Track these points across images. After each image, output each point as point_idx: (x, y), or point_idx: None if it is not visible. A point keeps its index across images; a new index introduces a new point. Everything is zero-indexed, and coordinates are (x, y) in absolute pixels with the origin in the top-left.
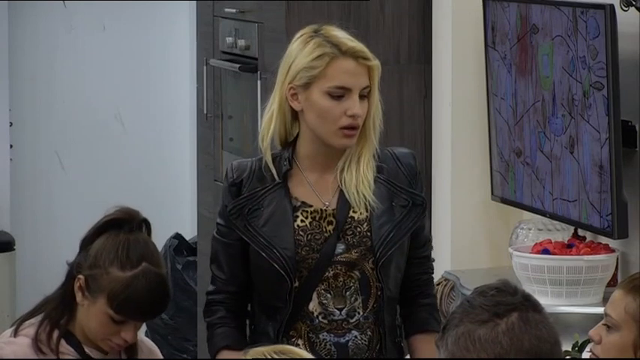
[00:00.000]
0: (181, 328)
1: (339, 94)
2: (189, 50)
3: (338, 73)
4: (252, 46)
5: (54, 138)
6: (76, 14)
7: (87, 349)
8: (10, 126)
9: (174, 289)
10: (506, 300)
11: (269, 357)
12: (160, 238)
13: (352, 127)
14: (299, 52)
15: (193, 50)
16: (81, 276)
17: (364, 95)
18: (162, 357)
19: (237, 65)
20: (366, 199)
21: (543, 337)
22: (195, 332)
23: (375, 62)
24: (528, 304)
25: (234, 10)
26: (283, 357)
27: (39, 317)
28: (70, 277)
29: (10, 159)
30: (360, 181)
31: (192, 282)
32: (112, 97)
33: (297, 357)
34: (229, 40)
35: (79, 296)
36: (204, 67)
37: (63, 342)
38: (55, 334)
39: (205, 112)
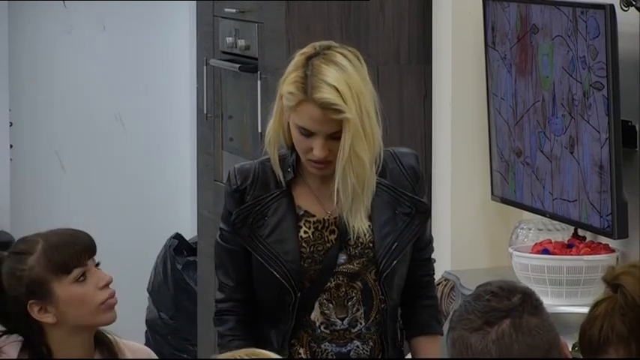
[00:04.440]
0: (181, 328)
1: (305, 133)
2: (189, 50)
3: (303, 116)
4: (252, 46)
5: (54, 138)
6: (76, 14)
7: None
8: (10, 126)
9: (174, 289)
10: (500, 306)
11: (238, 357)
12: (160, 238)
13: (319, 162)
14: (289, 74)
15: (193, 50)
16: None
17: (336, 137)
18: (155, 356)
19: (237, 65)
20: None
21: (535, 343)
22: (195, 332)
23: (346, 116)
24: (524, 309)
25: (234, 10)
26: (253, 357)
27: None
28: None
29: (10, 159)
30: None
31: (192, 282)
32: (112, 97)
33: (265, 357)
34: (229, 40)
35: (45, 317)
36: (204, 67)
37: None
38: None
39: (205, 112)
